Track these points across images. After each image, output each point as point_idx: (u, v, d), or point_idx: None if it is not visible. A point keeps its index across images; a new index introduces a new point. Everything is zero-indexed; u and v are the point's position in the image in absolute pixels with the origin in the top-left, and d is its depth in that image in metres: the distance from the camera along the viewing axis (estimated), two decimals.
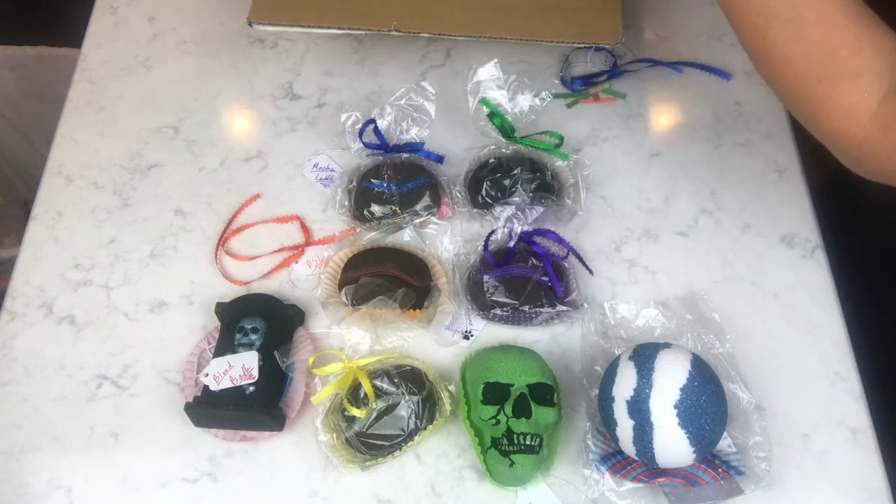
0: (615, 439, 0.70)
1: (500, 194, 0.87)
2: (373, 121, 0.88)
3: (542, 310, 0.80)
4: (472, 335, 0.82)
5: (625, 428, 0.68)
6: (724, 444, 0.73)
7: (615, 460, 0.73)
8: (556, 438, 0.74)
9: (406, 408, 0.73)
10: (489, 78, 0.86)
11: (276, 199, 0.92)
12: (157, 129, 0.98)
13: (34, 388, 0.80)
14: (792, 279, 0.85)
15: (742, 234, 0.89)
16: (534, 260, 0.82)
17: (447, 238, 0.88)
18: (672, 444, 0.66)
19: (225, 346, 0.77)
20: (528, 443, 0.70)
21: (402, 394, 0.73)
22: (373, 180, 0.88)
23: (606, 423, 0.71)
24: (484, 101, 0.87)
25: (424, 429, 0.73)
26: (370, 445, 0.73)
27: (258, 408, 0.73)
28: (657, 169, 0.94)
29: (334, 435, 0.74)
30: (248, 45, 1.05)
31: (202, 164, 0.95)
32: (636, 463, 0.72)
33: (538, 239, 0.84)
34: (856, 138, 0.61)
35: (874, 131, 0.60)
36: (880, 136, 0.60)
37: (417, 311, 0.80)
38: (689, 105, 0.99)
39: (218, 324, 0.81)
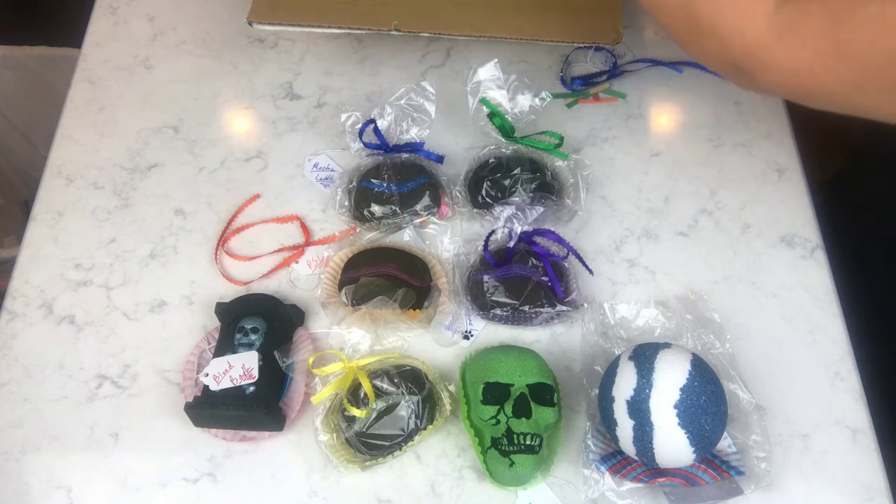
0: (615, 439, 0.70)
1: (500, 194, 0.87)
2: (373, 121, 0.88)
3: (542, 310, 0.80)
4: (472, 335, 0.82)
5: (625, 428, 0.68)
6: (724, 444, 0.73)
7: (615, 460, 0.73)
8: (556, 438, 0.74)
9: (406, 408, 0.73)
10: (489, 78, 0.86)
11: (276, 199, 0.92)
12: (157, 129, 0.98)
13: (34, 388, 0.80)
14: (792, 279, 0.85)
15: (742, 234, 0.89)
16: (534, 260, 0.82)
17: (447, 238, 0.87)
18: (672, 444, 0.66)
19: (225, 346, 0.77)
20: (528, 443, 0.70)
21: (402, 394, 0.73)
22: (373, 180, 0.88)
23: (606, 423, 0.71)
24: (484, 101, 0.87)
25: (424, 429, 0.73)
26: (370, 445, 0.73)
27: (258, 408, 0.73)
28: (657, 169, 0.94)
29: (334, 435, 0.74)
30: (248, 45, 1.05)
31: (202, 164, 0.95)
32: (636, 463, 0.72)
33: (538, 239, 0.84)
34: (752, 42, 0.60)
35: (770, 36, 0.59)
36: (775, 43, 0.59)
37: (417, 311, 0.80)
38: (689, 105, 0.99)
39: (218, 324, 0.81)
